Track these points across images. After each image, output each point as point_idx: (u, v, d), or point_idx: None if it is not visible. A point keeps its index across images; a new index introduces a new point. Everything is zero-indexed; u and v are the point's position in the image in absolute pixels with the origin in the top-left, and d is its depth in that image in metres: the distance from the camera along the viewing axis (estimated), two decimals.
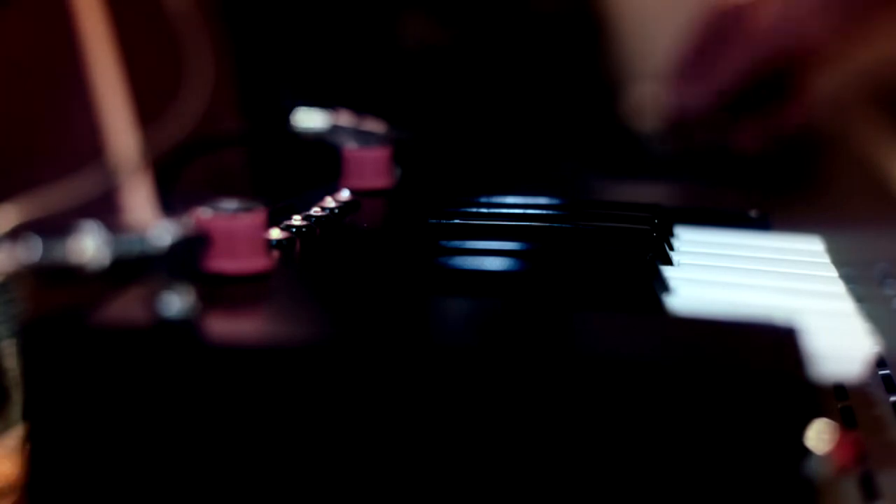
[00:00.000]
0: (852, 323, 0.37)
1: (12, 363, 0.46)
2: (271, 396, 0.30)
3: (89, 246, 0.31)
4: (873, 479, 0.33)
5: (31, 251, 0.30)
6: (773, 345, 0.32)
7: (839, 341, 0.34)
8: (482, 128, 1.15)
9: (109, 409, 0.31)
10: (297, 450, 0.30)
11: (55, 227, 0.31)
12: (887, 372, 0.39)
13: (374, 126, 0.57)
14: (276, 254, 0.40)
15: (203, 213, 0.36)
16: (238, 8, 1.06)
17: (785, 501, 0.28)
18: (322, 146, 0.56)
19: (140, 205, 0.83)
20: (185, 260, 0.33)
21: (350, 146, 0.55)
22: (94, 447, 0.31)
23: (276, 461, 0.31)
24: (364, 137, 0.55)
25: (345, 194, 0.51)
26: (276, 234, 0.42)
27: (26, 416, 0.32)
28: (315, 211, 0.47)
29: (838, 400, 0.37)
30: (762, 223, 0.52)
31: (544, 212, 0.50)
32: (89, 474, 0.31)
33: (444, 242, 0.43)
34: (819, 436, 0.28)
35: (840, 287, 0.41)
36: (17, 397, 0.32)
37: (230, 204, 0.37)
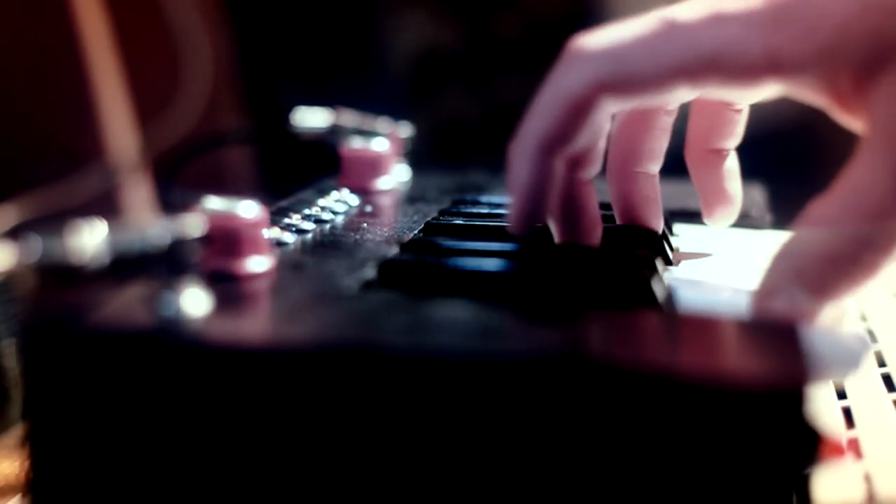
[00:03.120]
0: (852, 321, 0.37)
1: (12, 362, 0.46)
2: (271, 397, 0.30)
3: (89, 245, 0.31)
4: (872, 477, 0.33)
5: (31, 250, 0.30)
6: (774, 344, 0.32)
7: (839, 340, 0.34)
8: (481, 128, 1.15)
9: (109, 408, 0.31)
10: (296, 451, 0.30)
11: (55, 226, 0.31)
12: (886, 371, 0.39)
13: (374, 125, 0.57)
14: (276, 253, 0.40)
15: (203, 212, 0.36)
16: (238, 7, 1.06)
17: (785, 501, 0.28)
18: (322, 145, 0.55)
19: (140, 203, 0.83)
20: (185, 259, 0.33)
21: (349, 145, 0.55)
22: (94, 446, 0.31)
23: (276, 463, 0.31)
24: (364, 137, 0.55)
25: (345, 193, 0.51)
26: (276, 233, 0.42)
27: (26, 415, 0.32)
28: (315, 210, 0.47)
29: (838, 399, 0.37)
30: (762, 223, 0.52)
31: None
32: (89, 473, 0.31)
33: (444, 243, 0.43)
34: (819, 435, 0.28)
35: None
36: (16, 396, 0.32)
37: (230, 203, 0.37)
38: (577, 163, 0.42)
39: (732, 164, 0.46)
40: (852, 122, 0.38)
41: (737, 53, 0.37)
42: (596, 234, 0.43)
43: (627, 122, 0.44)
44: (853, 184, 0.36)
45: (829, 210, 0.36)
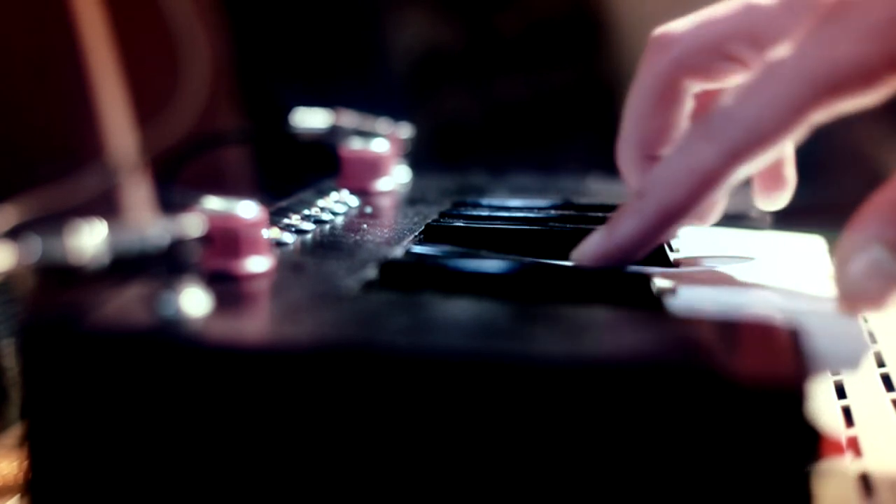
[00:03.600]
0: (852, 322, 0.37)
1: (11, 362, 0.46)
2: (271, 398, 0.30)
3: (89, 245, 0.31)
4: (871, 476, 0.33)
5: (30, 250, 0.30)
6: (774, 345, 0.32)
7: (839, 340, 0.34)
8: (482, 128, 1.14)
9: (108, 409, 0.31)
10: (297, 453, 0.30)
11: (55, 226, 0.31)
12: (885, 370, 0.39)
13: (373, 126, 0.57)
14: (276, 253, 0.40)
15: (202, 213, 0.36)
16: (236, 8, 1.06)
17: (785, 500, 0.28)
18: (321, 146, 0.55)
19: (139, 203, 0.83)
20: (185, 259, 0.33)
21: (349, 146, 0.55)
22: (93, 446, 0.31)
23: (276, 464, 0.31)
24: (364, 137, 0.55)
25: (344, 194, 0.51)
26: (275, 233, 0.42)
27: (24, 416, 0.32)
28: (314, 211, 0.47)
29: (838, 398, 0.37)
30: (762, 222, 0.52)
31: (544, 214, 0.49)
32: (88, 474, 0.31)
33: (445, 244, 0.43)
34: (819, 433, 0.28)
35: None
36: (15, 396, 0.32)
37: (230, 203, 0.37)
38: (658, 138, 0.42)
39: (788, 149, 0.46)
40: None
41: (855, 65, 0.36)
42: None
43: (648, 98, 0.44)
44: None
45: None
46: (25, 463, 0.31)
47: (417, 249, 0.43)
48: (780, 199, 0.47)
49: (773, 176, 0.46)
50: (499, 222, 0.47)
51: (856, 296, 0.35)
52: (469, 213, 0.50)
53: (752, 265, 0.45)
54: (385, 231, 0.45)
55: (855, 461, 0.33)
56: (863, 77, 0.36)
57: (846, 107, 0.38)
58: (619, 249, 0.40)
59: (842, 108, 0.38)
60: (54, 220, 0.31)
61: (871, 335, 0.43)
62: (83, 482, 0.31)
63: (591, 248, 0.40)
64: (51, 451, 0.31)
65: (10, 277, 0.30)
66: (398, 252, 0.42)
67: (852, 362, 0.34)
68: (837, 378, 0.38)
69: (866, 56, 0.36)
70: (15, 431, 0.48)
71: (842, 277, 0.35)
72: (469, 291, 0.38)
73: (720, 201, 0.46)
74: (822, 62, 0.36)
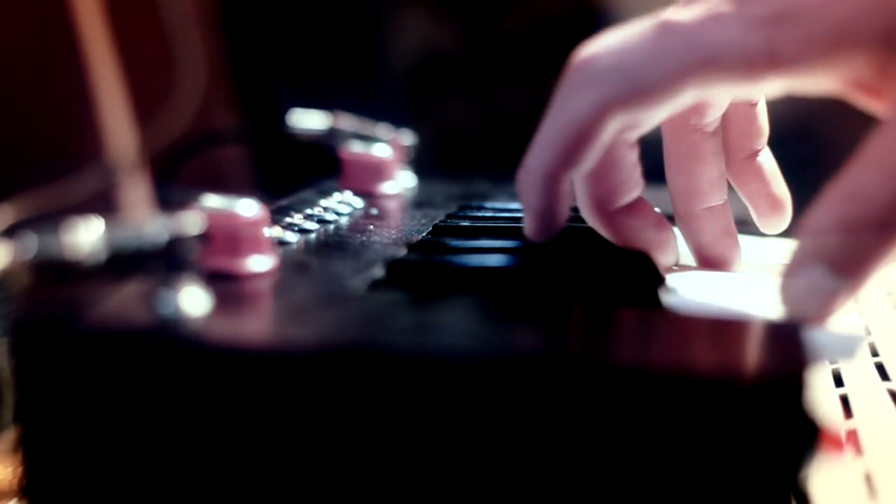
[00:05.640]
0: (849, 318, 0.37)
1: (4, 362, 0.45)
2: (274, 400, 0.30)
3: (86, 243, 0.31)
4: (869, 465, 0.33)
5: (27, 247, 0.30)
6: (773, 343, 0.32)
7: (836, 336, 0.35)
8: (484, 139, 1.14)
9: (105, 411, 0.30)
10: (299, 456, 0.30)
11: (53, 223, 0.30)
12: (879, 360, 0.40)
13: (373, 130, 0.56)
14: (278, 252, 0.39)
15: (201, 210, 0.35)
16: (233, 8, 1.06)
17: (784, 494, 0.28)
18: (319, 148, 0.55)
19: (138, 202, 0.83)
20: (184, 257, 0.32)
21: (349, 148, 0.54)
22: (90, 450, 0.30)
23: (278, 467, 0.30)
24: (363, 141, 0.55)
25: (347, 195, 0.50)
26: (277, 232, 0.42)
27: (19, 419, 0.31)
28: (317, 210, 0.47)
29: (836, 387, 0.38)
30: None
31: None
32: (85, 478, 0.31)
33: (451, 242, 0.43)
34: (818, 426, 0.28)
35: None
36: (9, 398, 0.31)
37: (230, 201, 0.36)
38: (611, 196, 0.42)
39: (772, 166, 0.46)
40: (876, 104, 0.37)
41: (737, 51, 0.36)
42: (668, 243, 0.43)
43: (675, 159, 0.44)
44: (879, 154, 0.34)
45: (851, 181, 0.35)
46: (20, 468, 0.31)
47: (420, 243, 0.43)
48: (780, 221, 0.47)
49: (765, 198, 0.46)
50: (503, 222, 0.48)
51: (798, 313, 0.35)
52: (474, 214, 0.50)
53: (751, 268, 0.45)
54: (392, 232, 0.45)
55: (853, 451, 0.33)
56: (742, 65, 0.36)
57: (727, 92, 0.39)
58: (540, 221, 0.40)
59: (724, 93, 0.39)
60: (53, 219, 0.31)
61: (867, 329, 0.43)
62: (80, 487, 0.31)
63: (526, 228, 0.41)
64: (46, 454, 0.31)
65: (6, 275, 0.29)
66: (404, 252, 0.42)
67: (847, 353, 0.35)
68: (834, 367, 0.39)
69: (748, 47, 0.36)
70: (9, 435, 0.47)
71: (784, 294, 0.35)
72: (475, 288, 0.37)
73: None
74: (710, 37, 0.37)
